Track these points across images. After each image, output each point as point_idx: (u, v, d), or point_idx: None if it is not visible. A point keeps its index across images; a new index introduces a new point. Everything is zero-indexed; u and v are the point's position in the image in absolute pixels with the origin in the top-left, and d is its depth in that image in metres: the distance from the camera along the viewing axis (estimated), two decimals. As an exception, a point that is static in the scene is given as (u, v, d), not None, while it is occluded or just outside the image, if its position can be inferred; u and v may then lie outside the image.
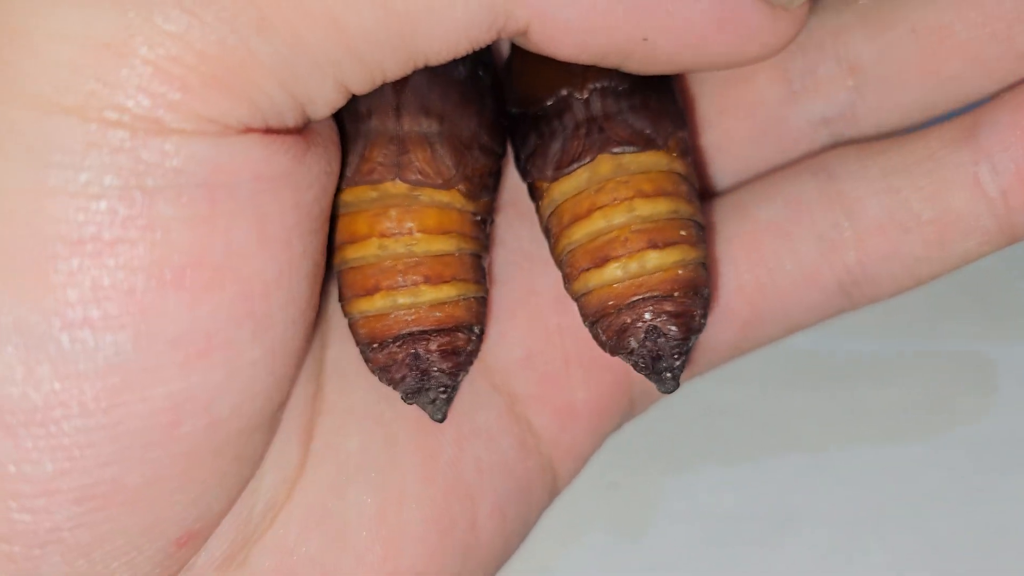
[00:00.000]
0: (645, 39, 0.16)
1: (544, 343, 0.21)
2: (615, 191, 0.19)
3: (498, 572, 0.22)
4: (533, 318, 0.21)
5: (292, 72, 0.15)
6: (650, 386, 0.21)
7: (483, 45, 0.16)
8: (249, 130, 0.15)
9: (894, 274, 0.21)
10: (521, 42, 0.17)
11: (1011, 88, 0.20)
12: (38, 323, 0.15)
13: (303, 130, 0.17)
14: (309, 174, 0.17)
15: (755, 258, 0.21)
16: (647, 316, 0.19)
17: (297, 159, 0.16)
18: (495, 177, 0.20)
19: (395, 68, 0.16)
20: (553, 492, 0.22)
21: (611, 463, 0.28)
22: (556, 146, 0.19)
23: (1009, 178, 0.19)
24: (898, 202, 0.20)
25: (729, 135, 0.22)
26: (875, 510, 0.27)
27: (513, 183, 0.21)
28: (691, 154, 0.20)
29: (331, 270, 0.20)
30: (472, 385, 0.20)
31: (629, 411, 0.22)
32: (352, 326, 0.19)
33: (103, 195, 0.14)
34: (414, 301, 0.19)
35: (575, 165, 0.19)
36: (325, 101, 0.16)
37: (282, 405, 0.18)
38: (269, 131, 0.16)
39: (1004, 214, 0.20)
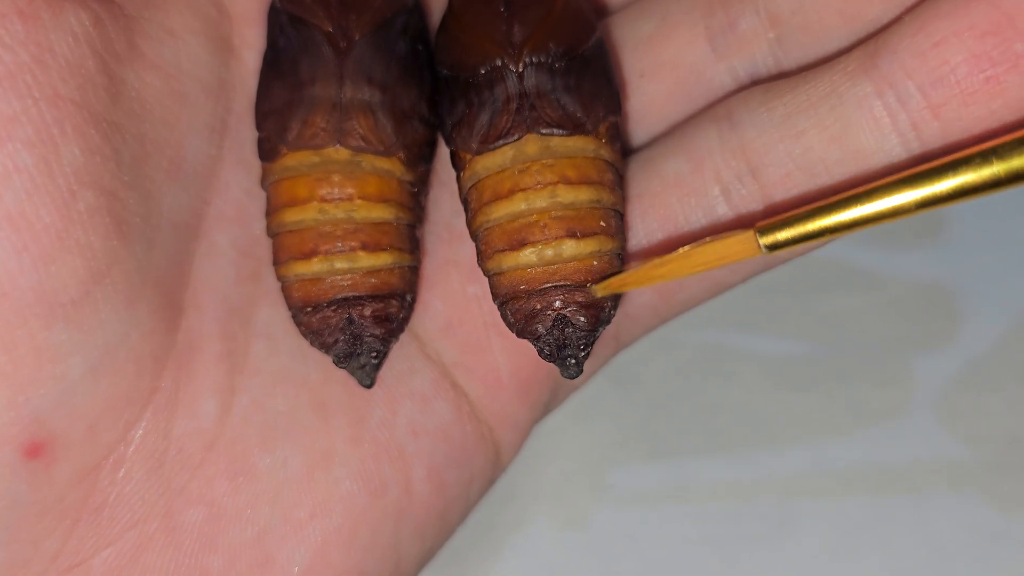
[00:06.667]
0: None
1: (463, 312, 0.21)
2: (539, 174, 0.19)
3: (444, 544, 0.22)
4: (452, 288, 0.21)
5: None
6: None
7: None
8: None
9: None
10: None
11: (910, 10, 0.18)
12: None
13: None
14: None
15: (664, 215, 0.20)
16: (557, 304, 0.19)
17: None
18: (432, 147, 0.20)
19: None
20: (497, 465, 0.22)
21: (610, 463, 0.28)
22: (484, 118, 0.19)
23: (918, 108, 0.17)
24: (802, 147, 0.19)
25: (651, 98, 0.21)
26: (873, 511, 0.27)
27: (436, 153, 0.21)
28: (620, 140, 0.20)
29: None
30: (404, 351, 0.21)
31: (562, 382, 0.22)
32: (286, 289, 0.20)
33: None
34: (351, 266, 0.19)
35: (501, 142, 0.19)
36: None
37: (88, 305, 0.17)
38: None
39: (919, 148, 0.18)
